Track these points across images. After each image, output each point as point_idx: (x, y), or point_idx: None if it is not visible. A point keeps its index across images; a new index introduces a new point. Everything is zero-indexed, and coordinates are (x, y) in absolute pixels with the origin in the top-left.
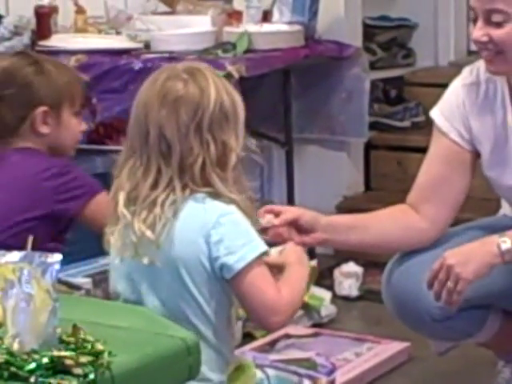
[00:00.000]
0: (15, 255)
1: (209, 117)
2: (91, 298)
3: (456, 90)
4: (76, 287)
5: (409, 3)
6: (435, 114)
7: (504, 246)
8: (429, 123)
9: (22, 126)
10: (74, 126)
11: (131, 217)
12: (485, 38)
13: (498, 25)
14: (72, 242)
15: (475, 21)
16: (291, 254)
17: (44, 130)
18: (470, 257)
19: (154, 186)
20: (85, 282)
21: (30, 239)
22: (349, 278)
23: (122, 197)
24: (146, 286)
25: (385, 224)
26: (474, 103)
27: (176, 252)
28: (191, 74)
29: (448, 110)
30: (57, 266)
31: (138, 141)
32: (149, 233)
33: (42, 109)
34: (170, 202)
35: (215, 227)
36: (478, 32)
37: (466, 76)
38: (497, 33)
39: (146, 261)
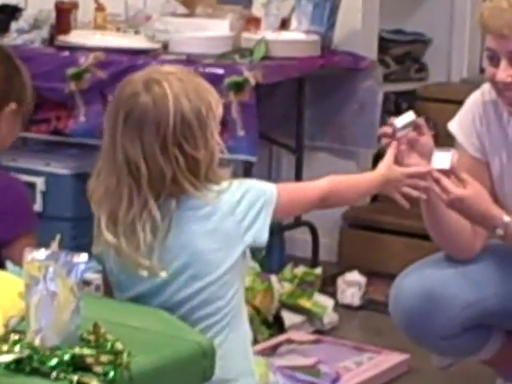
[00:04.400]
0: (42, 253)
1: (171, 132)
2: (110, 297)
3: (474, 105)
4: (86, 282)
5: (424, 18)
6: (454, 128)
7: (498, 232)
8: (438, 138)
9: None
10: (14, 126)
11: (116, 240)
12: (509, 79)
13: None
14: (82, 237)
15: (493, 61)
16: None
17: None
18: (471, 213)
19: (129, 206)
20: (95, 277)
21: (58, 238)
22: (352, 286)
23: (103, 220)
24: None
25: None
26: (490, 123)
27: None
28: (148, 88)
29: (466, 125)
30: (82, 266)
31: (108, 161)
32: (142, 260)
33: None
34: (149, 227)
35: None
36: (503, 73)
37: (485, 92)
38: None
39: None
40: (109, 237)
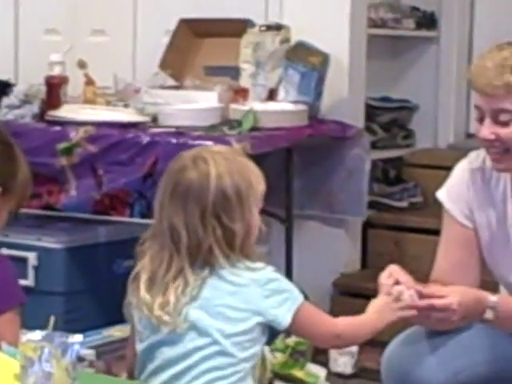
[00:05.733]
0: (37, 334)
1: (211, 204)
2: (108, 376)
3: (462, 173)
4: (79, 358)
5: (410, 85)
6: (442, 196)
7: (486, 316)
8: (426, 204)
9: None
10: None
11: (151, 299)
12: (492, 137)
13: (506, 124)
14: (74, 312)
15: (480, 120)
16: (376, 303)
17: None
18: (467, 315)
19: (168, 269)
20: (88, 353)
21: (52, 319)
22: (344, 355)
23: (142, 280)
24: None
25: None
26: (478, 190)
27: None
28: (195, 164)
29: (454, 193)
30: (77, 347)
31: (155, 227)
32: (166, 317)
33: None
34: (181, 289)
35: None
36: (486, 131)
37: (472, 160)
38: (504, 131)
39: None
40: (146, 296)
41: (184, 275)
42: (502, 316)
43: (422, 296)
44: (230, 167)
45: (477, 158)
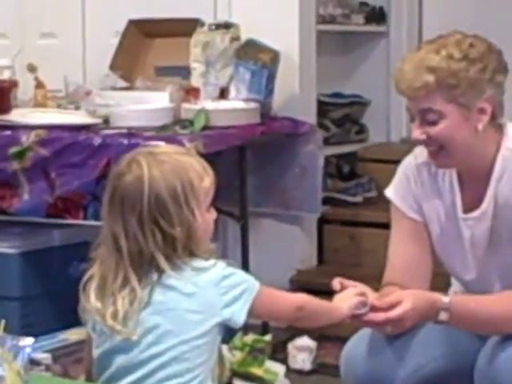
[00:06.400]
0: None
1: (147, 210)
2: (62, 378)
3: (408, 168)
4: (35, 362)
5: (361, 80)
6: (390, 193)
7: (440, 318)
8: (381, 199)
9: None
10: None
11: (102, 307)
12: (423, 137)
13: (433, 123)
14: (31, 316)
15: (412, 121)
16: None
17: None
18: (421, 319)
19: (115, 278)
20: (44, 357)
21: (3, 323)
22: (302, 351)
23: (93, 288)
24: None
25: None
26: (424, 184)
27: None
28: (129, 167)
29: (402, 189)
30: (28, 349)
31: (103, 234)
32: (119, 327)
33: None
34: (128, 298)
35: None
36: (416, 131)
37: (417, 155)
38: (433, 130)
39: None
40: (97, 304)
41: (130, 284)
42: (456, 317)
43: (375, 310)
44: (164, 169)
45: (422, 152)
